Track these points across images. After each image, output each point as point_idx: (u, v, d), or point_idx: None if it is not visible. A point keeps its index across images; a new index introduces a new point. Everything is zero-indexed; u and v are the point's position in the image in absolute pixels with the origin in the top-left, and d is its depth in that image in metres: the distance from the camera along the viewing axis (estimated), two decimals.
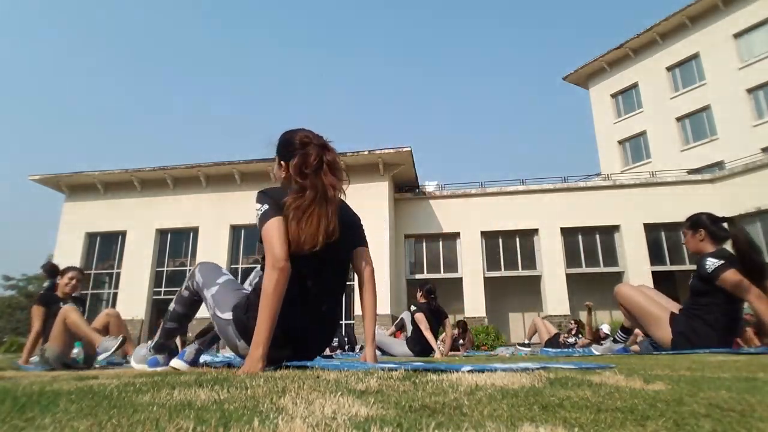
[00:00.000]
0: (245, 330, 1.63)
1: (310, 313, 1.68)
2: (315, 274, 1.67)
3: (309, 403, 0.76)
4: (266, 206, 1.62)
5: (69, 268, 3.93)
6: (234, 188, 16.88)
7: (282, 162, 1.79)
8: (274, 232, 1.57)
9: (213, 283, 1.83)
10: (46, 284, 6.86)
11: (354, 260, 1.84)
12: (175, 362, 1.97)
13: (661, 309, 2.99)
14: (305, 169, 1.66)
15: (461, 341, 7.31)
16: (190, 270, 2.00)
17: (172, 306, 2.00)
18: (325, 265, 1.70)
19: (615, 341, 3.35)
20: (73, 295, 3.86)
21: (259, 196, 1.68)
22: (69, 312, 3.16)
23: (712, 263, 2.81)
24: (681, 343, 2.86)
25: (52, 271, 4.83)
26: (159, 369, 1.97)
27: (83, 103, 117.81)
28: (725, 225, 2.96)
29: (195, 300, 1.95)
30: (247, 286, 1.90)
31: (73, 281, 3.84)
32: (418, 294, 5.67)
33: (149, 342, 2.21)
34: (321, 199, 1.63)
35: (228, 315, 1.71)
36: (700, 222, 3.00)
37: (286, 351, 1.68)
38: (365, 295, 1.85)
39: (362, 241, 1.87)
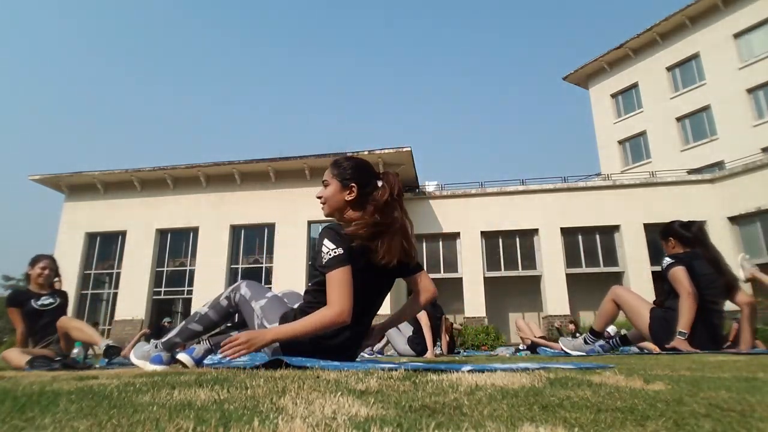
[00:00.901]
0: (289, 341, 1.70)
1: (357, 324, 1.78)
2: (370, 292, 1.81)
3: (309, 403, 0.76)
4: (341, 251, 1.66)
5: (40, 257, 3.57)
6: (234, 188, 16.88)
7: (353, 184, 1.82)
8: (345, 283, 1.64)
9: (262, 297, 1.91)
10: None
11: (416, 282, 1.94)
12: (182, 356, 1.93)
13: (646, 304, 3.27)
14: (388, 198, 1.77)
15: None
16: (234, 284, 2.01)
17: (204, 310, 1.96)
18: (382, 285, 1.86)
19: (585, 342, 3.46)
20: (53, 288, 3.52)
21: (331, 234, 1.71)
22: (6, 354, 3.03)
23: (666, 261, 3.18)
24: (657, 327, 3.10)
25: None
26: (159, 368, 1.90)
27: (84, 103, 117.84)
28: (694, 228, 3.32)
29: (230, 312, 1.98)
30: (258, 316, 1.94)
31: (46, 271, 3.48)
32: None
33: (152, 341, 2.12)
34: (403, 227, 1.78)
35: (275, 325, 1.78)
36: (669, 231, 3.35)
37: (329, 355, 1.75)
38: (413, 306, 1.99)
39: (420, 266, 1.96)
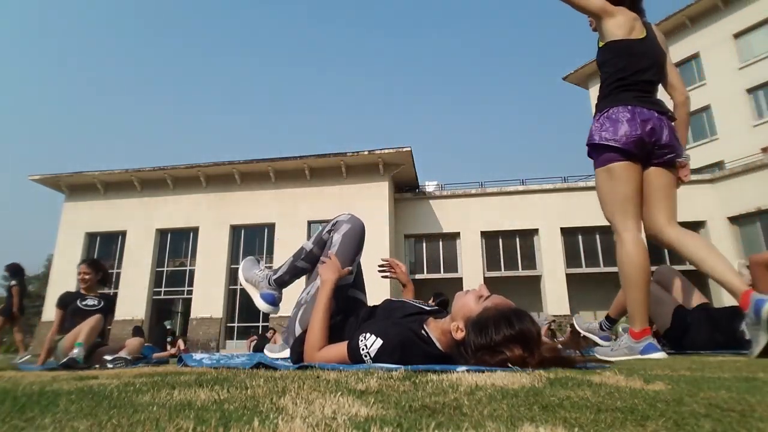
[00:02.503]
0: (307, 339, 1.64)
1: None
2: None
3: (309, 403, 0.76)
4: (371, 354, 1.43)
5: (81, 262, 3.96)
6: (234, 188, 16.87)
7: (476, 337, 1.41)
8: (335, 359, 1.51)
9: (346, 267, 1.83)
10: (12, 282, 6.68)
11: None
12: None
13: (671, 302, 2.99)
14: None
15: None
16: (338, 218, 1.94)
17: (309, 246, 1.95)
18: None
19: (601, 328, 3.33)
20: (97, 293, 3.84)
21: (400, 338, 1.45)
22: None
23: None
24: (673, 328, 2.88)
25: (15, 270, 5.16)
26: (267, 308, 1.99)
27: (84, 103, 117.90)
28: None
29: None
30: (305, 295, 1.89)
31: (80, 276, 3.82)
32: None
33: (263, 268, 2.09)
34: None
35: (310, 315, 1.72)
36: None
37: None
38: None
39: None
